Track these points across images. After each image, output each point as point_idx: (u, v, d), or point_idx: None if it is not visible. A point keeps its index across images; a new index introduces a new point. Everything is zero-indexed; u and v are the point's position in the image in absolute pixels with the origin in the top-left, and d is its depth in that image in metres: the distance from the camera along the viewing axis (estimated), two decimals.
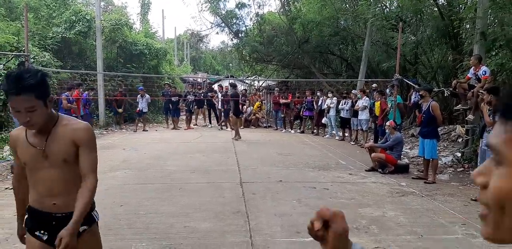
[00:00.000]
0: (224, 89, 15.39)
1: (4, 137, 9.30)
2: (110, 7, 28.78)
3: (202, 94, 15.44)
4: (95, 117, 14.33)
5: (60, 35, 15.60)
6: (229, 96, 12.95)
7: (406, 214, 4.88)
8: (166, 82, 16.78)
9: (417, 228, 4.38)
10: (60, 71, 13.50)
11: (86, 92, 12.03)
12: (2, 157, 8.01)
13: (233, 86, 14.18)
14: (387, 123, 7.75)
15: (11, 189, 5.65)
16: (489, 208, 0.55)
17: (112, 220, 4.44)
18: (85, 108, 11.38)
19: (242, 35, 20.80)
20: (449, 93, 8.10)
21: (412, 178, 7.04)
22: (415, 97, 11.96)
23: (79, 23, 15.80)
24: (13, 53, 10.63)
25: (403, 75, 13.92)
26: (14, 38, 12.06)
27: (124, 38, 17.72)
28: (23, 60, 7.46)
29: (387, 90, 9.16)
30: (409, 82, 9.01)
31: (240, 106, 15.71)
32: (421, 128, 7.22)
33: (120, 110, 14.30)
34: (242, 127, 15.34)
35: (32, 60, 10.68)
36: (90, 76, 15.55)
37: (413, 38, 12.97)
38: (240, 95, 16.33)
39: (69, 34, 15.64)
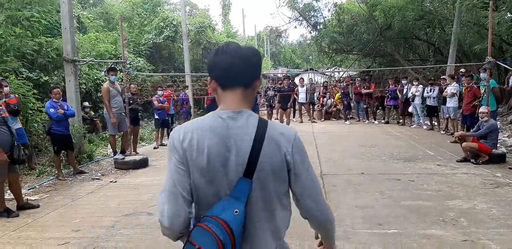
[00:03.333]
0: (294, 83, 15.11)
1: (108, 136, 10.44)
2: (194, 11, 30.34)
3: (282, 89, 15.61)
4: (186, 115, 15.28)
5: (151, 41, 16.96)
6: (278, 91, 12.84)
7: (500, 207, 4.57)
8: None
9: None
10: (153, 75, 14.70)
11: (183, 92, 12.88)
12: (107, 154, 9.05)
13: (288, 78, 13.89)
14: (482, 109, 7.19)
15: (115, 182, 6.43)
16: None
17: None
18: (183, 106, 12.22)
19: (321, 27, 20.58)
20: None
21: (510, 168, 6.48)
22: None
23: (167, 29, 17.02)
24: (112, 60, 11.86)
25: (500, 57, 12.71)
26: (112, 47, 13.42)
27: (208, 40, 18.66)
28: (121, 66, 8.33)
29: (481, 75, 8.41)
30: (504, 65, 8.21)
31: (321, 98, 15.65)
32: None
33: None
34: (323, 119, 15.30)
35: (129, 65, 11.82)
36: (179, 77, 16.66)
37: (510, 15, 11.71)
38: (321, 87, 16.25)
39: (159, 39, 16.93)
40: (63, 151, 7.08)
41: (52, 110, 6.63)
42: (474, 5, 11.86)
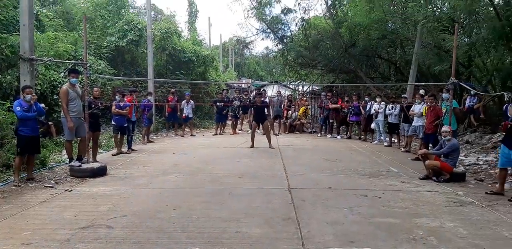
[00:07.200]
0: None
1: (63, 141, 9.83)
2: (160, 16, 29.87)
3: (248, 100, 15.51)
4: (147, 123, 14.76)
5: (113, 44, 16.35)
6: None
7: (466, 226, 4.63)
8: (224, 88, 17.32)
9: (479, 241, 4.13)
10: (114, 79, 14.11)
11: (146, 98, 12.49)
12: (61, 160, 8.47)
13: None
14: (445, 129, 7.39)
15: (70, 191, 5.98)
16: None
17: (166, 223, 4.55)
18: (144, 113, 11.84)
19: (287, 40, 20.82)
20: (510, 97, 7.59)
21: (486, 193, 6.21)
22: (469, 102, 11.38)
23: (131, 32, 16.49)
24: (72, 61, 11.25)
25: (457, 78, 13.31)
26: (72, 47, 12.77)
27: (173, 46, 18.29)
28: (82, 68, 7.93)
29: (443, 95, 8.63)
30: (466, 86, 8.56)
31: (285, 112, 15.66)
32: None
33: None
34: (287, 132, 15.32)
35: (89, 68, 11.25)
36: (142, 83, 16.15)
37: (466, 40, 12.36)
38: (286, 100, 16.29)
39: (122, 42, 16.36)
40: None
41: (18, 108, 6.43)
42: (434, 27, 12.41)
